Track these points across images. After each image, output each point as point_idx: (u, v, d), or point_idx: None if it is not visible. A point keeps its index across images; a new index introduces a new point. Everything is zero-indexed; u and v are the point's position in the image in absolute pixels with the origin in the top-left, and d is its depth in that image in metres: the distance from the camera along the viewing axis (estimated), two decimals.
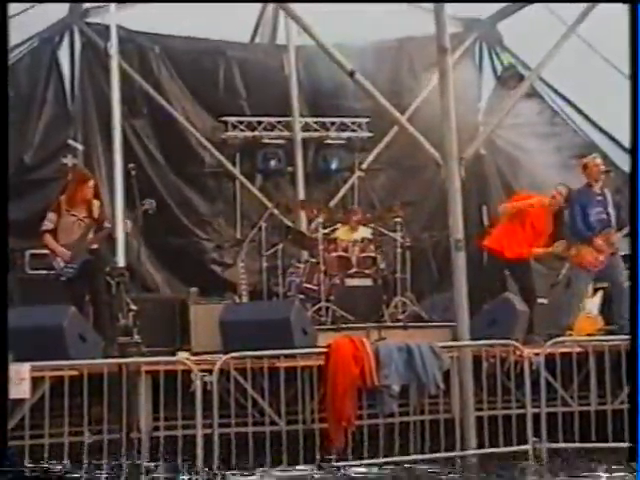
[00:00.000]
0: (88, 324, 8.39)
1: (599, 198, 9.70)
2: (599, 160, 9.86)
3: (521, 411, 8.25)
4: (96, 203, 9.10)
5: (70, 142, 11.67)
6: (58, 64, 11.98)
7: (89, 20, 12.12)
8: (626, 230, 9.58)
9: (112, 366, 7.69)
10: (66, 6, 11.77)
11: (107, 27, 11.14)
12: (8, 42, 6.83)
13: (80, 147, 11.77)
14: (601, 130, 13.16)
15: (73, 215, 8.95)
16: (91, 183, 9.13)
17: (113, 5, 10.62)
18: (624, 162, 13.00)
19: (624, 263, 9.75)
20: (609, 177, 10.24)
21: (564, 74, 11.85)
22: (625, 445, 7.87)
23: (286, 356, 8.00)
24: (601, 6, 9.87)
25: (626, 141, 12.85)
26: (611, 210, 9.67)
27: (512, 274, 9.98)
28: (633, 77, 6.10)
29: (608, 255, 9.55)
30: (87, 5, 12.01)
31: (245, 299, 10.90)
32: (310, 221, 11.95)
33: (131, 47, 12.33)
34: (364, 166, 12.99)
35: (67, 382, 7.37)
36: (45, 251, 9.05)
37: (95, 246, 9.02)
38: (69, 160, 11.56)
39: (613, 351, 8.53)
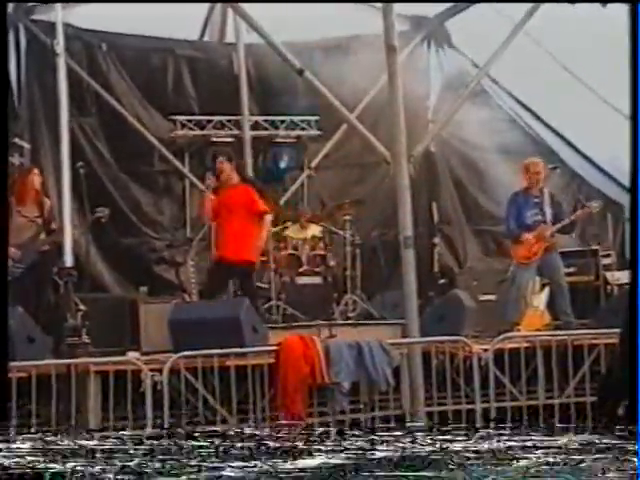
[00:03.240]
0: (36, 325, 8.30)
1: (536, 200, 9.84)
2: (539, 167, 9.93)
3: (470, 406, 8.33)
4: (47, 202, 9.07)
5: (17, 140, 11.52)
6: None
7: (35, 17, 12.00)
8: (560, 225, 9.76)
9: (60, 367, 7.63)
10: (11, 3, 11.63)
11: (53, 24, 11.01)
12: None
13: (27, 146, 11.64)
14: (549, 127, 13.33)
15: (24, 216, 8.91)
16: (35, 171, 9.12)
17: (59, 2, 10.49)
18: (572, 159, 13.26)
19: (569, 259, 9.94)
20: (554, 173, 10.40)
21: (513, 72, 11.98)
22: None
23: (237, 355, 8.00)
24: (548, 5, 9.98)
25: (574, 138, 13.16)
26: (547, 209, 9.80)
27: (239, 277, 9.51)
28: (633, 78, 6.15)
29: (542, 249, 9.68)
30: (32, 2, 11.89)
31: (195, 298, 10.86)
32: None
33: (78, 45, 12.23)
34: (313, 164, 13.01)
35: (15, 384, 7.29)
36: None
37: (46, 247, 8.98)
38: (16, 159, 11.42)
39: (560, 346, 8.65)
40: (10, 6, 11.64)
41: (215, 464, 5.71)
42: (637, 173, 6.34)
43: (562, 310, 9.59)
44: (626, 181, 10.87)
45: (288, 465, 5.63)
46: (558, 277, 9.73)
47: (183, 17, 11.88)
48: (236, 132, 12.77)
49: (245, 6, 9.39)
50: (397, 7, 9.11)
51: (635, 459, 5.38)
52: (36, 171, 9.18)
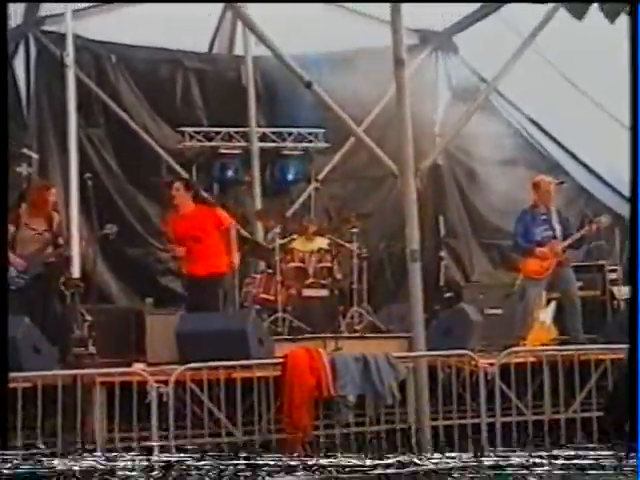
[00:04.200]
0: (42, 335, 8.30)
1: (544, 217, 9.84)
2: (550, 185, 9.96)
3: (476, 420, 8.30)
4: (56, 217, 9.13)
5: (25, 151, 11.56)
6: (13, 72, 11.87)
7: (45, 28, 12.06)
8: (571, 240, 9.75)
9: (66, 378, 7.63)
10: (21, 14, 11.69)
11: (63, 35, 11.06)
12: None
13: (35, 156, 11.67)
14: (557, 142, 13.33)
15: (32, 229, 8.97)
16: (53, 191, 9.21)
17: (69, 13, 10.56)
18: (579, 174, 13.25)
19: (576, 274, 9.92)
20: (562, 188, 10.41)
21: (520, 86, 11.98)
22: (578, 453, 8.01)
23: (242, 367, 7.99)
24: (557, 19, 9.98)
25: (581, 152, 13.15)
26: (556, 225, 9.81)
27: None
28: (633, 78, 6.15)
29: (553, 263, 9.66)
30: (43, 13, 11.94)
31: None
32: (267, 231, 11.95)
33: (88, 56, 12.28)
34: (320, 177, 13.03)
35: (20, 394, 7.29)
36: None
37: (52, 259, 9.03)
38: (24, 169, 11.45)
39: (567, 361, 8.63)
40: (20, 17, 11.73)
41: None
42: (637, 184, 6.34)
43: (572, 326, 9.57)
44: None
45: None
46: (571, 293, 9.71)
47: (192, 29, 11.93)
48: (244, 144, 12.81)
49: (253, 18, 9.41)
50: (406, 21, 9.12)
51: None
52: (53, 191, 9.26)
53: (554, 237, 9.75)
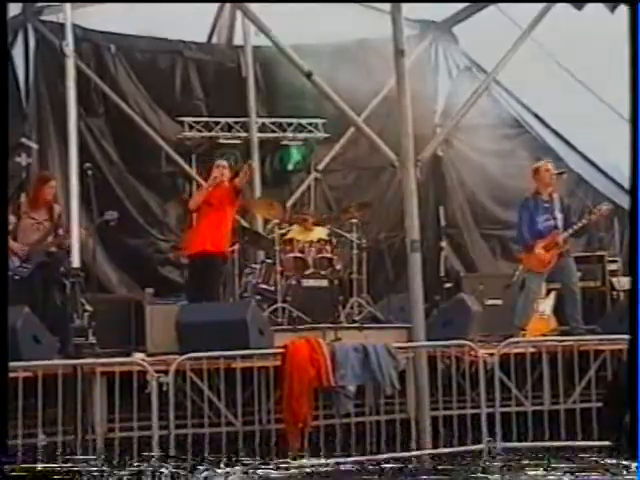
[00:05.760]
0: (42, 325, 8.30)
1: (546, 205, 9.75)
2: (551, 166, 9.93)
3: (476, 411, 8.31)
4: (57, 208, 9.14)
5: (24, 141, 11.55)
6: (12, 62, 11.85)
7: (44, 18, 12.03)
8: (572, 230, 9.71)
9: (67, 367, 7.63)
10: (20, 3, 11.66)
11: (62, 25, 11.03)
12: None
13: (35, 146, 11.67)
14: (555, 133, 13.33)
15: (33, 218, 8.99)
16: (52, 183, 9.22)
17: (69, 3, 10.53)
18: (577, 165, 13.25)
19: (575, 265, 9.91)
20: (562, 179, 10.38)
21: (519, 77, 11.97)
22: (577, 443, 8.04)
23: (242, 357, 8.00)
24: (555, 11, 9.98)
25: (580, 144, 13.15)
26: (558, 214, 9.73)
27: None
28: (633, 78, 6.16)
29: (555, 255, 9.62)
30: (41, 3, 11.92)
31: None
32: (266, 222, 11.95)
33: (87, 46, 12.28)
34: (320, 167, 13.03)
35: (21, 383, 7.30)
36: None
37: (53, 249, 9.03)
38: (23, 159, 11.45)
39: (566, 351, 8.65)
40: (19, 6, 11.70)
41: None
42: (637, 177, 6.35)
43: (572, 317, 9.55)
44: None
45: None
46: (571, 283, 9.66)
47: (192, 19, 11.91)
48: (243, 134, 12.81)
49: (253, 8, 9.39)
50: (405, 11, 9.11)
51: None
52: (53, 183, 9.28)
53: (555, 227, 9.67)
